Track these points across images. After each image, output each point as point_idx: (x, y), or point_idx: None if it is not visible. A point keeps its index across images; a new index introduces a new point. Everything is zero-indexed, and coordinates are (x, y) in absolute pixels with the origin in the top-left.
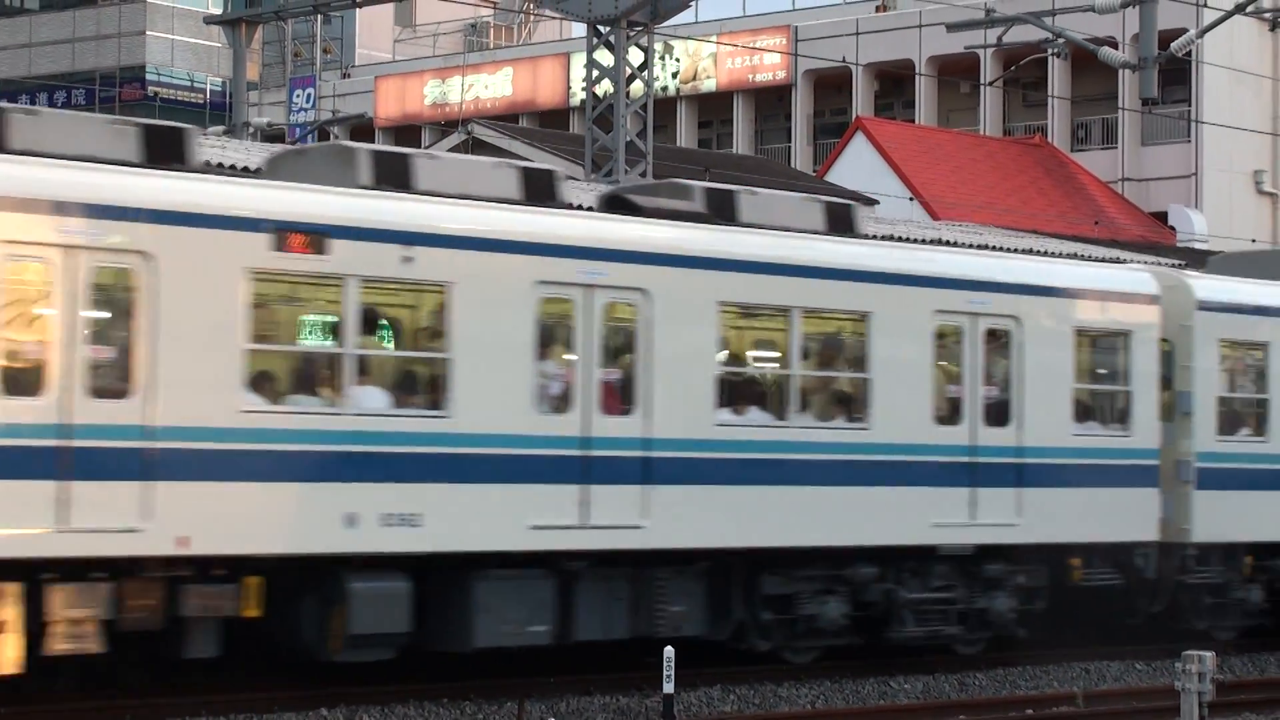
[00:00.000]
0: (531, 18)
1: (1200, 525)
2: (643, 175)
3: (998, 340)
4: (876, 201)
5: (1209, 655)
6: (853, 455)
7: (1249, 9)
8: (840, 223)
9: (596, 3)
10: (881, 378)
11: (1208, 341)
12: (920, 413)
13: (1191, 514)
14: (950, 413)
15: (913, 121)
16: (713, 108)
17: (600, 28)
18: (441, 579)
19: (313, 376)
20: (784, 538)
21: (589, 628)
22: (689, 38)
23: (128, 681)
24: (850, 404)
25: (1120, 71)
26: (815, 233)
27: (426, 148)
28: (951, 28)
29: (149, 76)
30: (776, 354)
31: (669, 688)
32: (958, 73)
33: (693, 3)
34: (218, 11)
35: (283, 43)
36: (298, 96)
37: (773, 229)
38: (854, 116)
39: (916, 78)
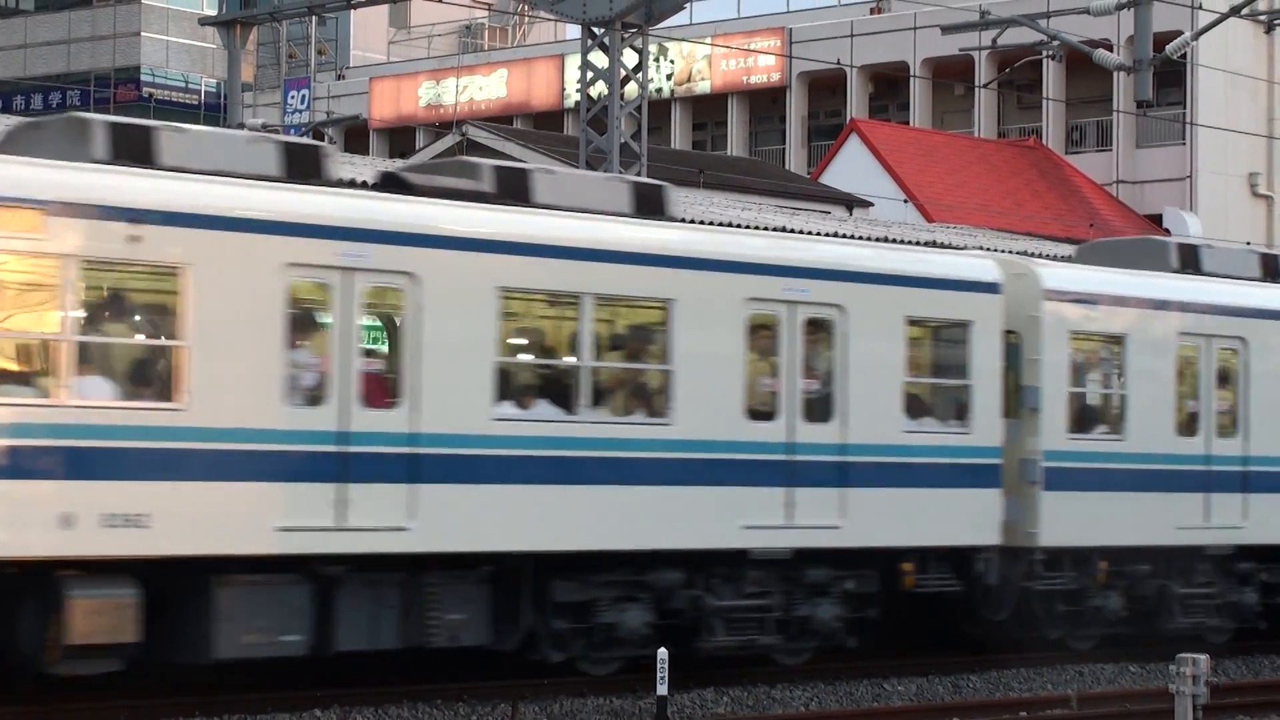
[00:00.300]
0: (526, 19)
1: (1048, 529)
2: (638, 176)
3: (820, 330)
4: (871, 203)
5: (1203, 658)
6: (653, 453)
7: (1244, 11)
8: (649, 205)
9: (591, 4)
10: (686, 370)
11: (1057, 333)
12: (730, 408)
13: (1038, 517)
14: (765, 408)
15: (907, 123)
16: (707, 110)
17: (595, 29)
18: (179, 585)
19: (29, 365)
20: (575, 541)
21: (352, 637)
22: (684, 39)
23: (123, 681)
24: (651, 398)
25: (1115, 74)
26: (620, 215)
27: (421, 149)
28: (946, 30)
29: (144, 77)
30: (567, 344)
31: (663, 689)
32: (952, 75)
33: (687, 4)
34: (212, 13)
35: (277, 44)
36: (292, 98)
37: (571, 210)
38: (848, 118)
39: (911, 80)
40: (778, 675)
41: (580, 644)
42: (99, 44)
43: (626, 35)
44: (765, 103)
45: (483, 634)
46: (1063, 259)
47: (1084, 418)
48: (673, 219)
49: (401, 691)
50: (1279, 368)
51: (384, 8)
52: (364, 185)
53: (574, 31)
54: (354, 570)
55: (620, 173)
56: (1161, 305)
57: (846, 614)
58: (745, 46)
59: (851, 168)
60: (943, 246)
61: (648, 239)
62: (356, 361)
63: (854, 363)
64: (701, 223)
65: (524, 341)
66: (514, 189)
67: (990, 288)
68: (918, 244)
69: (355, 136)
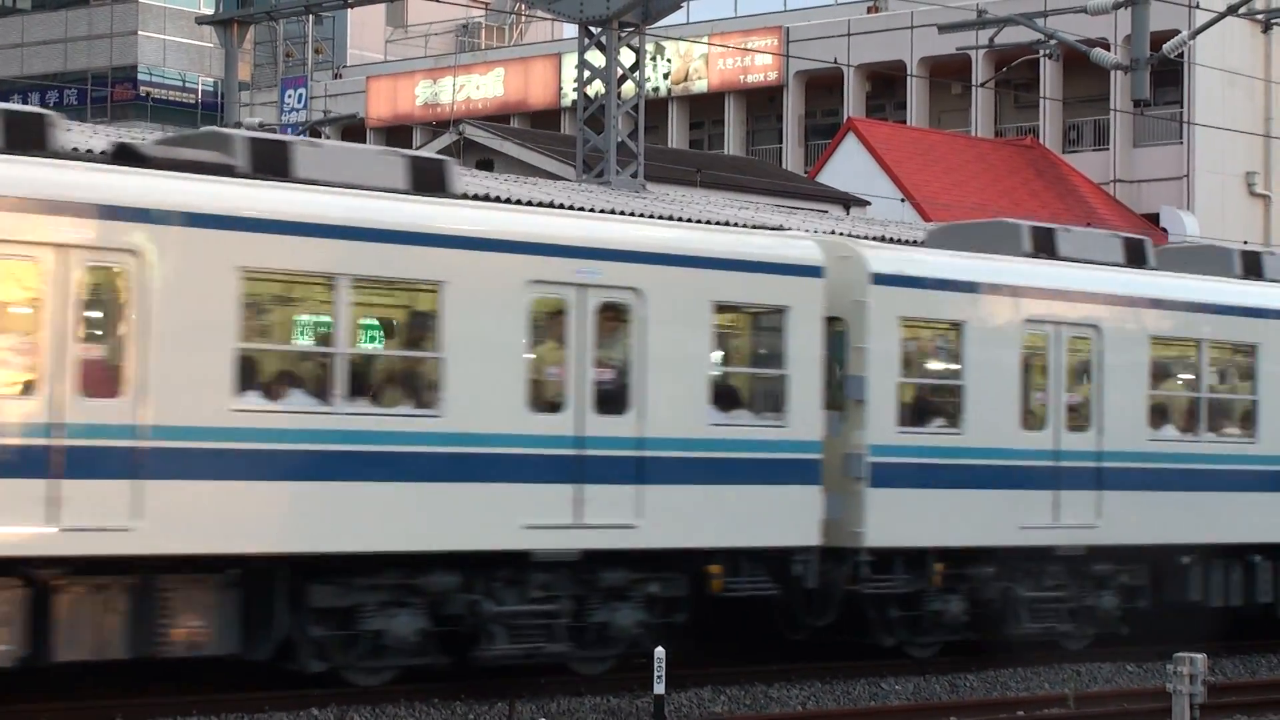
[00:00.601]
0: (523, 18)
1: (875, 528)
2: (634, 176)
3: (614, 316)
4: (868, 203)
5: (1200, 657)
6: (420, 446)
7: (1241, 10)
8: (428, 180)
9: (588, 3)
10: (458, 358)
11: (886, 319)
12: (510, 398)
13: (864, 515)
14: (550, 399)
15: (904, 123)
16: (704, 109)
17: (592, 28)
18: None
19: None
20: (331, 542)
21: (74, 646)
22: (680, 38)
23: (123, 681)
24: (419, 388)
25: (1112, 73)
26: (395, 191)
27: (418, 148)
28: (943, 29)
29: (141, 77)
30: (323, 329)
31: (660, 688)
32: (949, 74)
33: (684, 3)
34: (210, 12)
35: (274, 43)
36: (289, 97)
37: (337, 186)
38: (845, 117)
39: (908, 79)
40: (775, 675)
41: (346, 653)
42: (96, 43)
43: (623, 34)
44: (762, 102)
45: (228, 642)
46: (912, 242)
47: (918, 410)
48: (455, 196)
49: (399, 690)
50: (1137, 357)
51: (381, 7)
52: (88, 154)
53: (571, 31)
54: (74, 574)
55: (617, 172)
56: (1006, 290)
57: (652, 619)
58: (742, 46)
59: (849, 167)
60: (764, 228)
61: (414, 216)
62: (75, 348)
63: (653, 351)
64: (488, 199)
65: (272, 327)
66: (272, 162)
67: (810, 271)
68: (731, 224)
69: (352, 136)
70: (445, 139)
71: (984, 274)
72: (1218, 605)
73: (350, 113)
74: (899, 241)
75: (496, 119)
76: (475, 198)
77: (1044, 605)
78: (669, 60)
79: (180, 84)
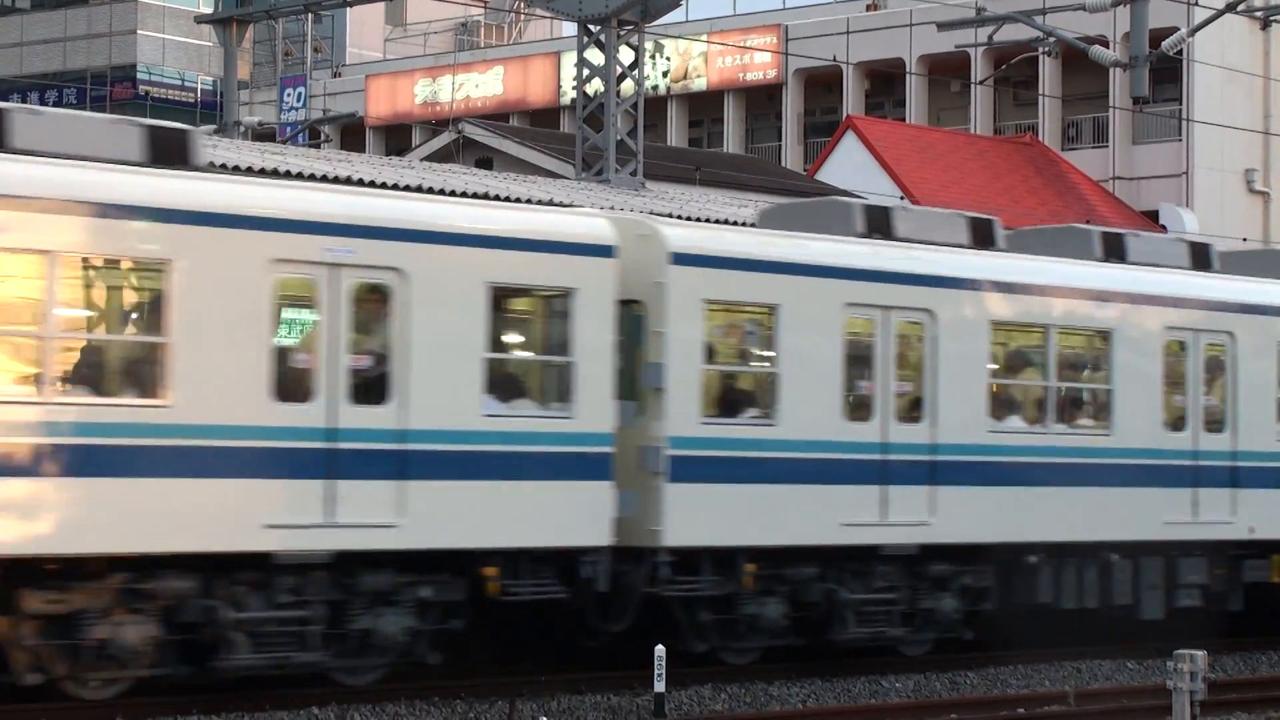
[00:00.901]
0: (522, 17)
1: (675, 527)
2: (633, 174)
3: (374, 299)
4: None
5: (1200, 654)
6: (149, 439)
7: (1240, 8)
8: (168, 152)
9: (587, 2)
10: (189, 342)
11: (688, 303)
12: (250, 387)
13: (663, 513)
14: (297, 388)
15: (903, 120)
16: (703, 107)
17: (591, 27)
18: None
19: None
20: (47, 544)
21: None
22: (680, 37)
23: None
24: (147, 376)
25: (1111, 70)
26: (129, 163)
27: (417, 146)
28: (942, 26)
29: (140, 75)
30: (26, 311)
31: (660, 686)
32: (948, 71)
33: (683, 2)
34: (209, 10)
35: (274, 42)
36: (289, 95)
37: (60, 157)
38: (845, 115)
39: (907, 77)
40: (775, 672)
41: (67, 662)
42: (95, 42)
43: (623, 32)
44: (761, 100)
45: None
46: (742, 224)
47: (726, 400)
48: (199, 169)
49: (399, 689)
50: (975, 344)
51: (380, 5)
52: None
53: (570, 29)
54: None
55: (617, 170)
56: (826, 272)
57: (425, 625)
58: (741, 44)
59: (848, 165)
60: (556, 205)
61: (139, 188)
62: None
63: (419, 336)
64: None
65: None
66: None
67: (601, 250)
68: (519, 201)
69: (352, 134)
70: (444, 137)
71: (801, 254)
72: (1070, 607)
73: (349, 111)
74: (726, 223)
75: (496, 117)
76: (222, 170)
77: (873, 608)
78: (668, 58)
79: (179, 83)
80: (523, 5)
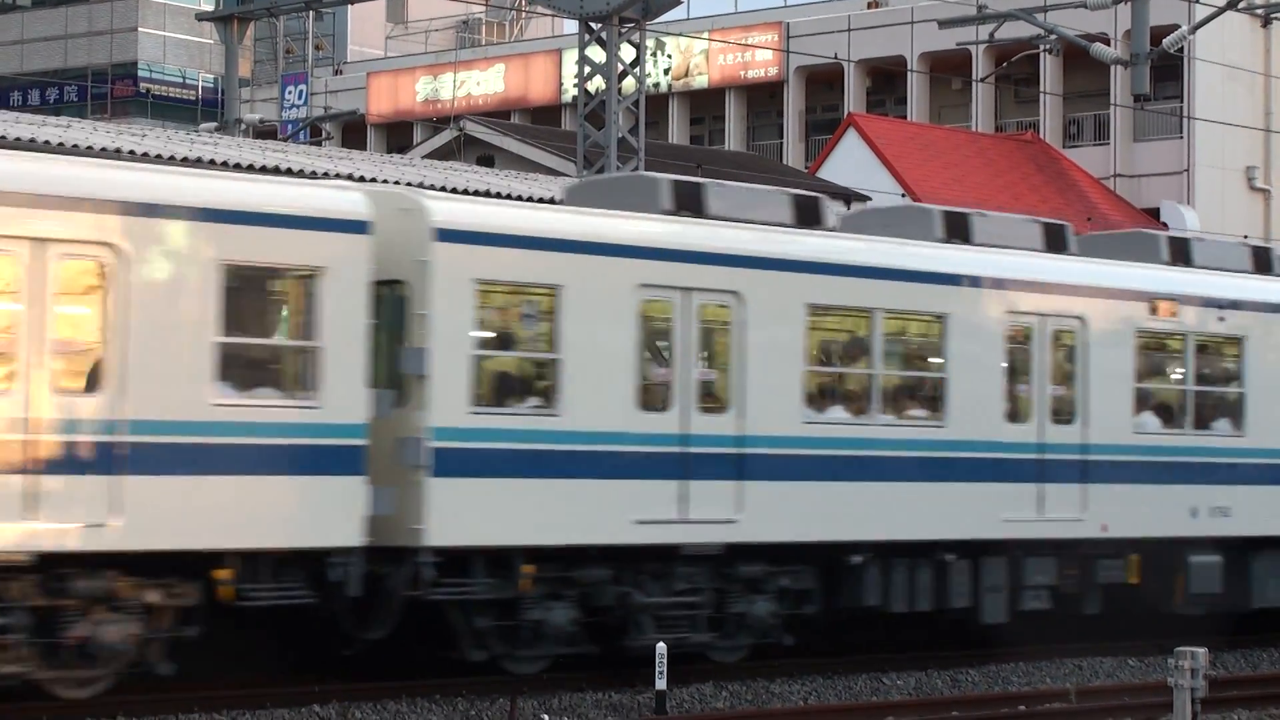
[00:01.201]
0: (523, 14)
1: (440, 525)
2: (635, 171)
3: (83, 280)
4: (869, 198)
5: (1201, 651)
6: None
7: (1241, 5)
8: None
9: None
10: None
11: (456, 282)
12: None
13: (426, 510)
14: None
15: (905, 118)
16: (705, 104)
17: (592, 24)
18: None
19: None
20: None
21: None
22: (681, 34)
23: (122, 679)
24: None
25: (1112, 67)
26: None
27: (418, 144)
28: (943, 24)
29: (141, 73)
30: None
31: (661, 684)
32: (950, 69)
33: None
34: (210, 8)
35: (275, 39)
36: (290, 93)
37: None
38: (846, 113)
39: (908, 74)
40: (776, 670)
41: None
42: (96, 39)
43: (624, 30)
44: (763, 97)
45: None
46: (553, 201)
47: (501, 388)
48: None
49: (401, 687)
50: (789, 329)
51: (381, 3)
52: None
53: (571, 26)
54: None
55: (618, 168)
56: (616, 251)
57: (154, 633)
58: (743, 41)
59: (849, 162)
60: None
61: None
62: None
63: (136, 319)
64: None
65: None
66: None
67: (353, 226)
68: (264, 170)
69: (353, 132)
70: (446, 135)
71: (589, 231)
72: (900, 610)
73: (351, 109)
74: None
75: (497, 115)
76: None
77: (674, 613)
78: (669, 56)
79: (180, 80)
80: (524, 3)
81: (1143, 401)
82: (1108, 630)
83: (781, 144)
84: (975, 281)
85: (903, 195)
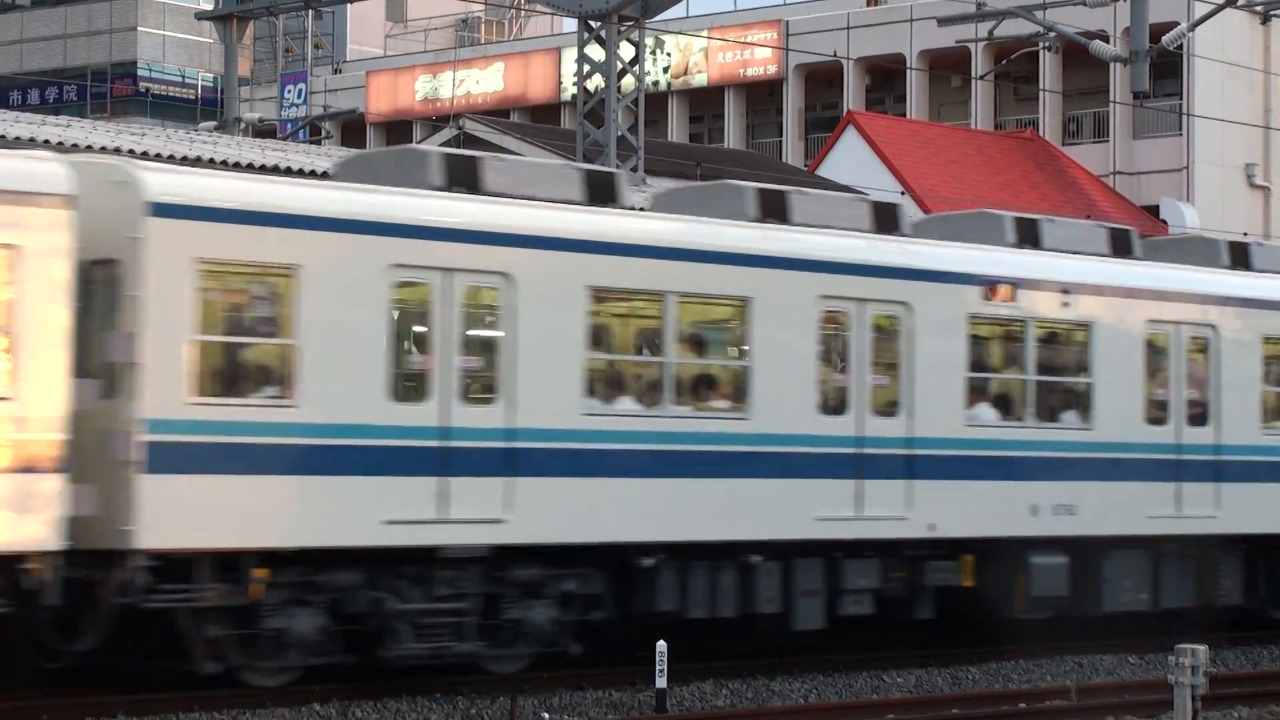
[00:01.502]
0: (523, 13)
1: (154, 526)
2: (634, 170)
3: None
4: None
5: (1202, 649)
6: None
7: (1240, 2)
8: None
9: None
10: None
11: (174, 261)
12: None
13: (136, 510)
14: None
15: (904, 116)
16: (704, 102)
17: (591, 23)
18: None
19: None
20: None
21: None
22: (680, 32)
23: (122, 678)
24: None
25: (1111, 65)
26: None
27: (418, 143)
28: (943, 22)
29: (141, 72)
30: None
31: (662, 682)
32: (949, 67)
33: None
34: (209, 7)
35: (274, 38)
36: (289, 92)
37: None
38: (845, 111)
39: (908, 72)
40: (777, 668)
41: None
42: (95, 39)
43: (623, 28)
44: (762, 95)
45: None
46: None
47: (230, 377)
48: None
49: (401, 686)
50: (568, 313)
51: (381, 2)
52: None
53: (571, 25)
54: None
55: (618, 166)
56: (367, 228)
57: None
58: (742, 39)
59: (849, 160)
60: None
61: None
62: None
63: None
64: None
65: None
66: None
67: (52, 199)
68: None
69: (352, 131)
70: (445, 133)
71: (334, 207)
72: (700, 616)
73: (350, 108)
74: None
75: (496, 113)
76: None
77: (435, 620)
78: (669, 54)
79: (180, 80)
80: (523, 1)
81: (978, 393)
82: (1108, 630)
83: (781, 142)
84: (784, 263)
85: (902, 193)
